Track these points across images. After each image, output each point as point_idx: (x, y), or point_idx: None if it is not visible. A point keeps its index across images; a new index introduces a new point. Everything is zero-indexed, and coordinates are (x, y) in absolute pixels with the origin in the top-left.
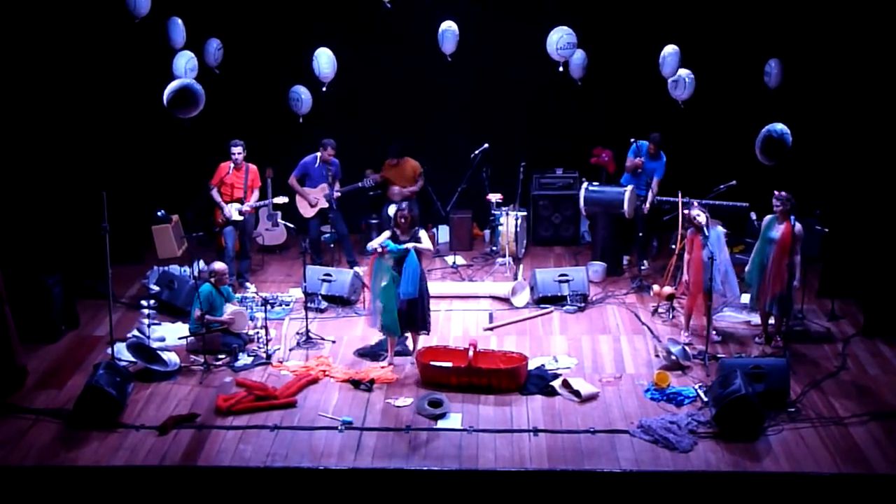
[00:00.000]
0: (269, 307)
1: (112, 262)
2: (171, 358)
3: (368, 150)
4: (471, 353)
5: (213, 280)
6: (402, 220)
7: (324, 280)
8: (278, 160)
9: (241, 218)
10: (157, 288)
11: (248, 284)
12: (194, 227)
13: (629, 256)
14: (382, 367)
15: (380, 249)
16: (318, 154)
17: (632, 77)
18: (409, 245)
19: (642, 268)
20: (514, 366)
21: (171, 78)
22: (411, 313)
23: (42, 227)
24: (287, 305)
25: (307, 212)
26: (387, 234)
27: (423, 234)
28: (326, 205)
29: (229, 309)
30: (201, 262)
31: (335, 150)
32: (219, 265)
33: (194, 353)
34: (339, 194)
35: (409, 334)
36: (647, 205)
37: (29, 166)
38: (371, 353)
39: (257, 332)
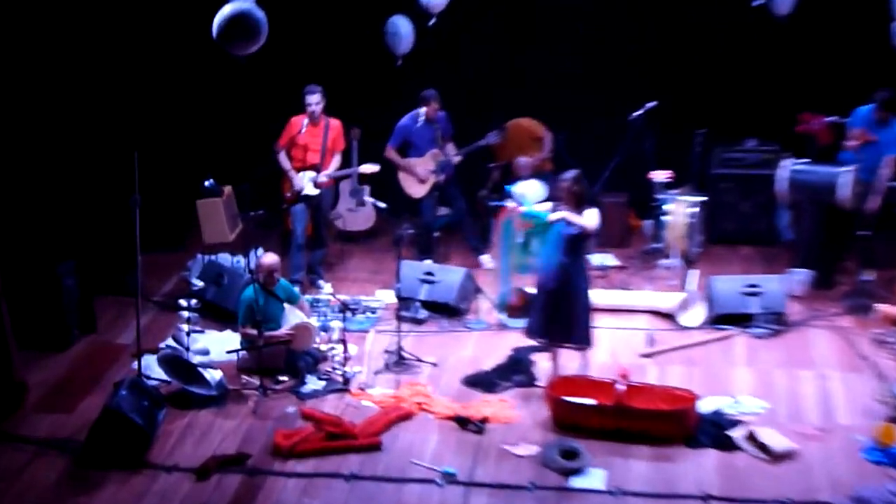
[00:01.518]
0: (348, 314)
1: (143, 248)
2: (216, 378)
3: (477, 107)
4: (621, 387)
5: (260, 277)
6: (568, 195)
7: (424, 280)
8: (367, 117)
9: (316, 192)
10: (200, 283)
11: (321, 283)
12: (253, 204)
13: (845, 263)
14: (501, 401)
15: (511, 205)
16: (420, 111)
17: (858, 14)
18: (557, 214)
19: (864, 280)
20: (680, 407)
21: (222, 3)
22: (554, 313)
23: (52, 197)
24: (373, 313)
25: (416, 190)
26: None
27: (591, 212)
28: (442, 176)
29: (293, 318)
30: (261, 251)
31: (440, 103)
32: (267, 259)
33: (247, 372)
34: (459, 158)
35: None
36: (876, 193)
37: (36, 117)
38: (485, 382)
39: (332, 349)
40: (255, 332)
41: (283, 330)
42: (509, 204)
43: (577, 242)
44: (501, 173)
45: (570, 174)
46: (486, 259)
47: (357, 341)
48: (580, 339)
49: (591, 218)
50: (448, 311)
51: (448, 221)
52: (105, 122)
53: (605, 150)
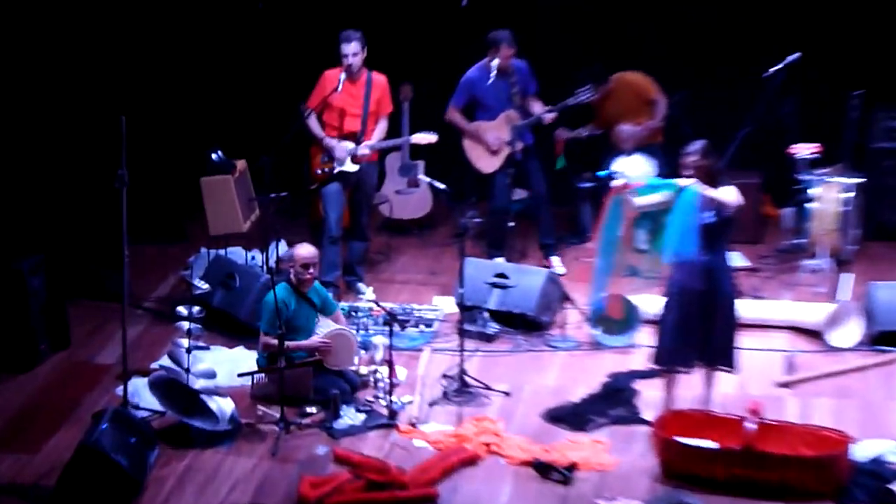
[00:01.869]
0: (396, 328)
1: (132, 239)
2: (225, 408)
3: (567, 56)
4: (751, 425)
5: (291, 275)
6: (697, 173)
7: (495, 285)
8: (422, 71)
9: (355, 169)
10: (205, 286)
11: (361, 287)
12: (273, 183)
13: None
14: (595, 443)
15: (620, 182)
16: (491, 61)
17: None
18: (690, 183)
19: None
20: (828, 453)
21: None
22: (694, 328)
23: (15, 174)
24: (428, 327)
25: (486, 164)
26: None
27: (728, 189)
28: (520, 146)
29: (325, 329)
30: (283, 245)
31: (516, 48)
32: (304, 250)
33: (264, 401)
34: (553, 115)
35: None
36: None
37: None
38: (574, 417)
39: (374, 372)
40: (276, 342)
41: (315, 339)
42: (618, 181)
43: (718, 232)
44: (592, 143)
45: (697, 145)
46: (556, 262)
47: (407, 363)
48: (728, 359)
49: (730, 193)
50: (525, 324)
51: (526, 207)
52: (83, 78)
53: (732, 116)
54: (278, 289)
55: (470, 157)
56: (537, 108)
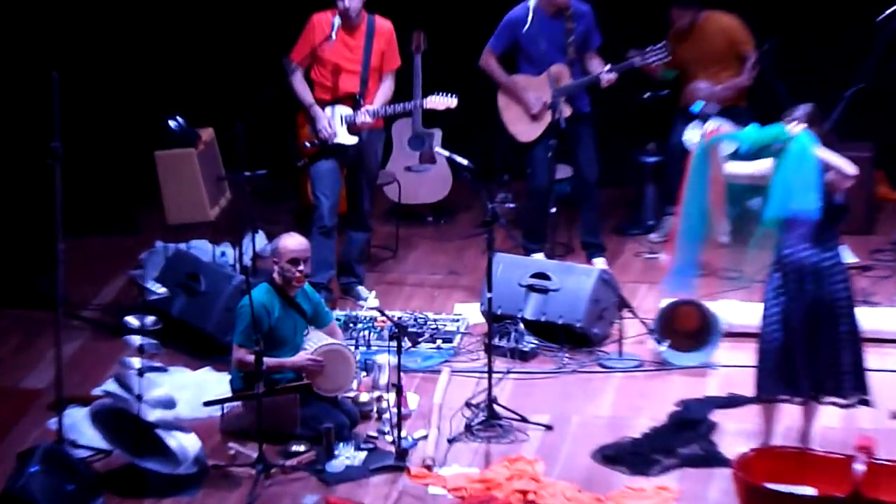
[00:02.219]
0: (407, 344)
1: (68, 230)
2: (187, 446)
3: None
4: (860, 466)
5: (275, 274)
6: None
7: (533, 287)
8: (440, 15)
9: (353, 141)
10: (161, 290)
11: (361, 290)
12: (249, 158)
13: None
14: (660, 490)
15: (708, 129)
16: None
17: None
18: (797, 127)
19: None
20: None
21: None
22: (811, 347)
23: None
24: (448, 342)
25: (523, 130)
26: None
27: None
28: (567, 113)
29: (315, 343)
30: (261, 238)
31: None
32: (293, 241)
33: (238, 436)
34: (613, 77)
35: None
36: None
37: None
38: (634, 457)
39: (378, 399)
40: (271, 357)
41: (302, 356)
42: (710, 125)
43: (830, 222)
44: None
45: (804, 108)
46: (598, 261)
47: (420, 388)
48: (862, 388)
49: (848, 163)
50: (572, 338)
51: (572, 190)
52: (3, 23)
53: (835, 72)
54: (259, 291)
55: (504, 120)
56: (595, 65)
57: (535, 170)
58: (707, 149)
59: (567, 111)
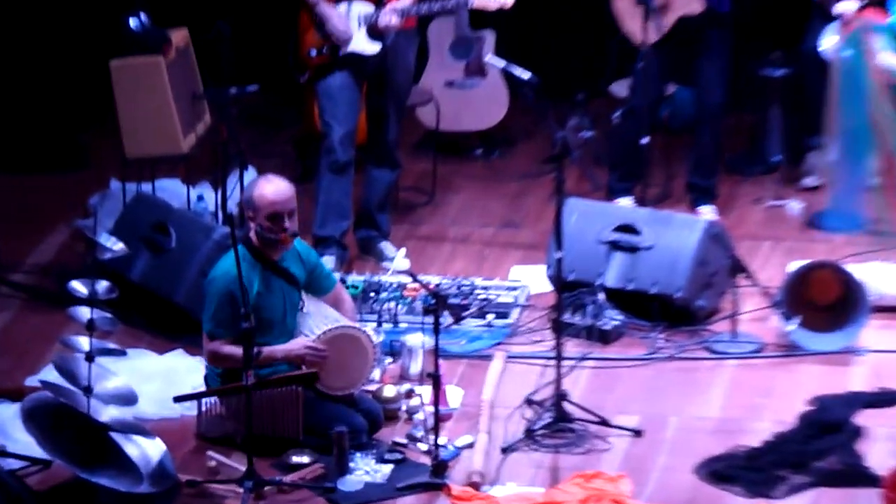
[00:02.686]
0: (446, 320)
1: None
2: (151, 455)
3: None
4: None
5: (251, 233)
6: None
7: (617, 245)
8: None
9: (375, 49)
10: (117, 246)
11: (385, 246)
12: (236, 69)
13: None
14: None
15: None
16: None
17: None
18: None
19: None
20: None
21: None
22: None
23: None
24: (502, 318)
25: (637, 27)
26: None
27: None
28: (695, 6)
29: (317, 321)
30: (251, 176)
31: None
32: (272, 187)
33: (218, 443)
34: None
35: None
36: None
37: None
38: (750, 472)
39: (409, 394)
40: (236, 349)
41: (300, 343)
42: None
43: None
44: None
45: None
46: (706, 210)
47: (466, 379)
48: None
49: None
50: (669, 313)
51: (680, 114)
52: None
53: None
54: (229, 259)
55: (618, 14)
56: None
57: (639, 83)
58: (856, 39)
59: (697, 6)
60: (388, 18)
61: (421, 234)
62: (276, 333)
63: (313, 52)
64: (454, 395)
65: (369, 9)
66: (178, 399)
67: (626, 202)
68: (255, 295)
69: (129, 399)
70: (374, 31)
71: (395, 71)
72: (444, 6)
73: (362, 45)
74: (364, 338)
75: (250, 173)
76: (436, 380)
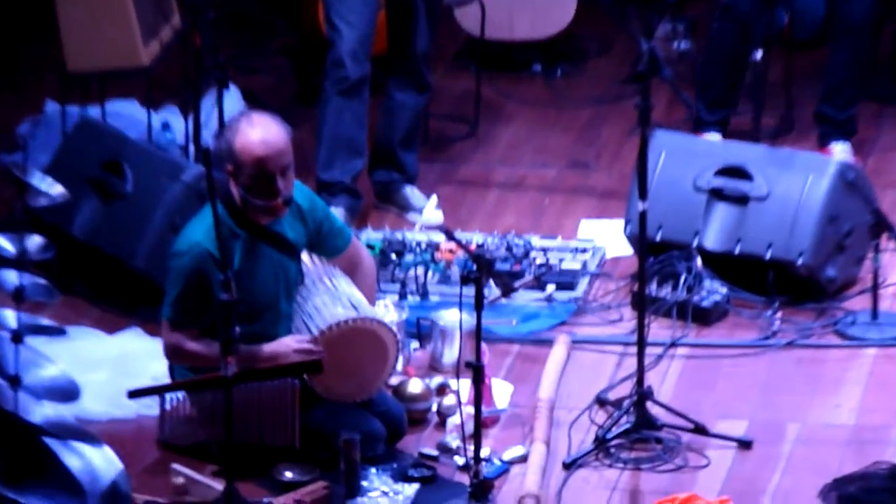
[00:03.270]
0: (493, 291)
1: None
2: (98, 469)
3: None
4: None
5: (233, 190)
6: None
7: (718, 195)
8: None
9: None
10: (55, 189)
11: (412, 193)
12: None
13: None
14: None
15: None
16: None
17: None
18: None
19: None
20: None
21: None
22: None
23: None
24: (568, 289)
25: None
26: None
27: None
28: None
29: (318, 311)
30: (233, 98)
31: None
32: (256, 134)
33: (185, 453)
34: None
35: None
36: None
37: None
38: (889, 498)
39: (442, 390)
40: (204, 347)
41: (287, 345)
42: None
43: None
44: None
45: None
46: (839, 149)
47: (518, 371)
48: None
49: None
50: (789, 284)
51: (810, 18)
52: None
53: None
54: (203, 223)
55: None
56: None
57: None
58: None
59: None
60: None
61: (459, 178)
62: (270, 320)
63: None
64: (501, 393)
65: None
66: (133, 394)
67: (714, 137)
68: (235, 271)
69: (69, 393)
70: None
71: None
72: None
73: None
74: (382, 331)
75: (232, 93)
76: (477, 372)
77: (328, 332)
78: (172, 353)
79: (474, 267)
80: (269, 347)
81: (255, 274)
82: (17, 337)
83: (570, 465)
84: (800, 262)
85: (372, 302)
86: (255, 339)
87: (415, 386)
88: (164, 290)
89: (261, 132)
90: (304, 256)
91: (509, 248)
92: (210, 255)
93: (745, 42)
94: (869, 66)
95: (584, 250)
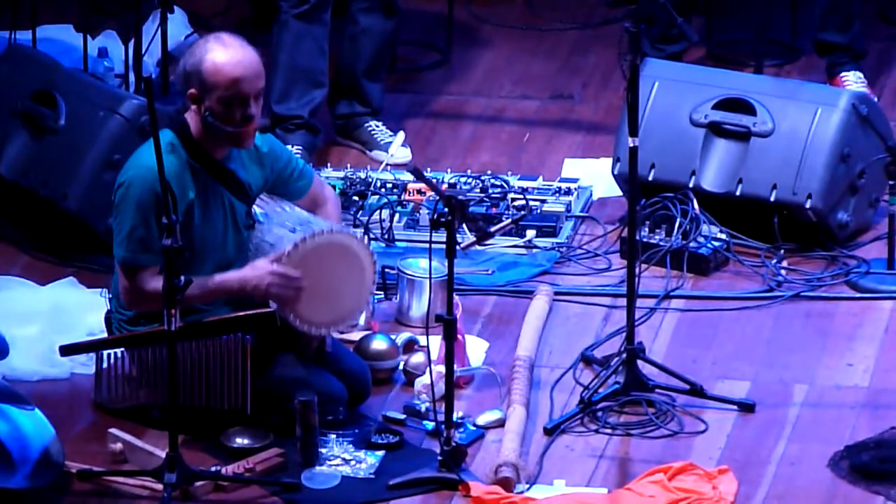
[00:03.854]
0: (467, 237)
1: None
2: (28, 435)
3: None
4: None
5: (190, 119)
6: None
7: (717, 129)
8: None
9: None
10: None
11: (377, 128)
12: None
13: None
14: None
15: None
16: None
17: None
18: None
19: None
20: None
21: None
22: None
23: None
24: (550, 235)
25: None
26: None
27: None
28: None
29: (281, 234)
30: (178, 22)
31: None
32: (228, 56)
33: (124, 416)
34: None
35: None
36: None
37: None
38: None
39: (409, 344)
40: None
41: (262, 268)
42: None
43: None
44: None
45: None
46: (851, 78)
47: (495, 325)
48: None
49: None
50: (796, 229)
51: None
52: None
53: None
54: (150, 153)
55: None
56: None
57: None
58: None
59: None
60: None
61: (429, 111)
62: (210, 264)
63: None
64: (476, 350)
65: None
66: (66, 350)
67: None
68: (187, 204)
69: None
70: None
71: None
72: None
73: None
74: (356, 244)
75: (177, 16)
76: (448, 326)
77: (297, 248)
78: (133, 297)
79: (445, 210)
80: (239, 273)
81: (206, 214)
82: None
83: (551, 431)
84: (808, 204)
85: None
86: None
87: (379, 342)
88: (100, 233)
89: (236, 52)
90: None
91: (484, 189)
92: (162, 187)
93: None
94: None
95: (568, 191)
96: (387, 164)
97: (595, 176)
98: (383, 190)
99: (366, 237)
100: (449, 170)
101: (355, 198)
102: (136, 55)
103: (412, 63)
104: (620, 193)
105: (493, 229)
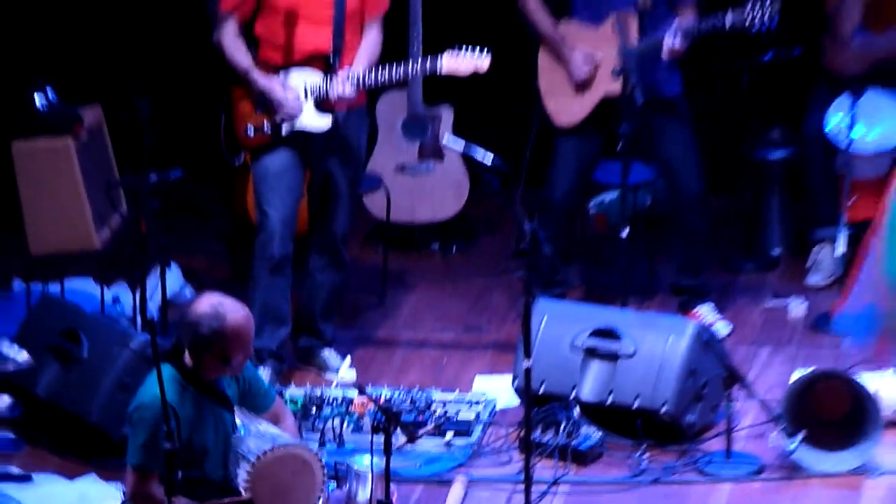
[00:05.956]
0: (399, 440)
1: None
2: None
3: None
4: None
5: (186, 355)
6: None
7: (593, 353)
8: None
9: (324, 125)
10: (21, 356)
11: (329, 354)
12: (157, 151)
13: None
14: None
15: None
16: None
17: None
18: None
19: None
20: None
21: None
22: None
23: None
24: (465, 435)
25: (563, 108)
26: None
27: None
28: (633, 83)
29: (253, 441)
30: (174, 275)
31: None
32: (241, 317)
33: None
34: (678, 43)
35: None
36: None
37: None
38: None
39: None
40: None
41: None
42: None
43: None
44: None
45: None
46: (706, 311)
47: None
48: None
49: None
50: (654, 429)
51: (660, 203)
52: None
53: None
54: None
55: (541, 90)
56: (687, 19)
57: (554, 172)
58: None
59: (634, 83)
60: (342, 88)
61: (370, 340)
62: (211, 465)
63: (251, 131)
64: None
65: (317, 78)
66: None
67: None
68: (185, 421)
69: None
70: (323, 105)
71: (344, 153)
72: (398, 74)
73: (311, 120)
74: (309, 455)
75: (174, 272)
76: None
77: (263, 458)
78: (141, 499)
79: (383, 418)
80: None
81: (200, 424)
82: None
83: None
84: (663, 410)
85: None
86: (196, 482)
87: None
88: (116, 440)
89: (246, 315)
90: (236, 411)
91: (413, 401)
92: (170, 406)
93: (564, 224)
94: (707, 233)
95: (478, 402)
96: (337, 383)
97: (499, 390)
98: (335, 403)
99: (318, 446)
100: (386, 386)
101: (313, 409)
102: (141, 302)
103: (356, 304)
104: (518, 403)
105: (420, 432)
